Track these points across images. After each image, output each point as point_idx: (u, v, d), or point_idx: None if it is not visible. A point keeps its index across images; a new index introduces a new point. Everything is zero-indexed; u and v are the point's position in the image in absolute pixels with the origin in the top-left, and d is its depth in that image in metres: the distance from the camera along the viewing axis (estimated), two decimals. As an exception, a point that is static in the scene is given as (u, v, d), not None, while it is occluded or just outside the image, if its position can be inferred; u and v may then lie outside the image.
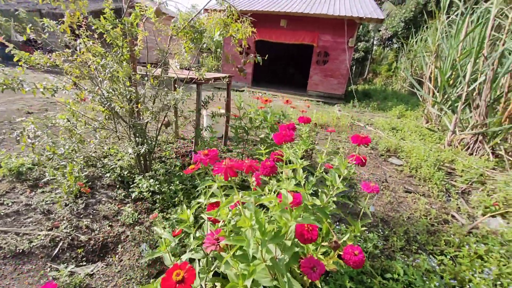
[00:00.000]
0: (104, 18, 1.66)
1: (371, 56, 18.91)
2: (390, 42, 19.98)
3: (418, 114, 6.83)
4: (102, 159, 2.30)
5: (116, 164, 2.19)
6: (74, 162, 1.49)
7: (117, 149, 2.37)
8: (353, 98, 9.08)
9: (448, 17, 5.20)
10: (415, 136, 4.55)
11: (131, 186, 1.96)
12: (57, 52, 1.69)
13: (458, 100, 4.16)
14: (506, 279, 1.34)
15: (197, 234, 0.80)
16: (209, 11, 2.32)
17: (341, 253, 0.91)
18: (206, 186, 0.76)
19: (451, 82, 5.18)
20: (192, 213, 0.80)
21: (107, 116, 1.83)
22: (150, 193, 1.92)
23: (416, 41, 13.33)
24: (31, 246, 1.41)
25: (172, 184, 1.96)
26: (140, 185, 1.90)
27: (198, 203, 0.90)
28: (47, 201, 1.81)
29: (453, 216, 2.20)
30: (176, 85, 2.30)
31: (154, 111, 1.77)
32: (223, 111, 3.63)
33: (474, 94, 3.76)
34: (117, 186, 2.11)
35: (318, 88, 9.30)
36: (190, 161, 2.61)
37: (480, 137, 3.58)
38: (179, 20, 1.85)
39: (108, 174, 2.16)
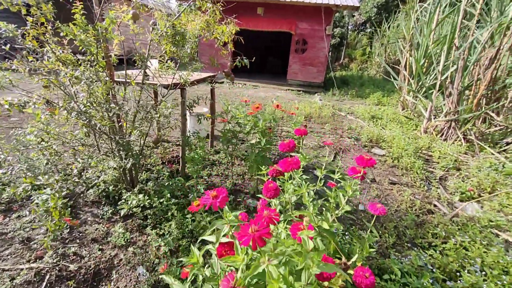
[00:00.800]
0: (74, 24, 1.49)
1: (346, 42, 19.16)
2: (364, 27, 20.35)
3: (394, 101, 7.11)
4: (82, 172, 2.14)
5: (98, 178, 2.05)
6: (57, 194, 1.36)
7: (99, 161, 2.22)
8: (332, 86, 9.22)
9: (421, 5, 5.33)
10: (393, 125, 4.74)
11: (119, 202, 1.85)
12: (18, 60, 1.49)
13: (432, 88, 4.36)
14: (489, 269, 1.46)
15: (207, 273, 0.76)
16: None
17: (351, 272, 0.93)
18: (215, 228, 0.72)
19: (424, 70, 5.41)
20: (201, 255, 0.76)
21: (86, 133, 1.68)
22: (140, 209, 1.83)
23: (389, 27, 13.68)
24: (13, 284, 1.29)
25: (163, 198, 1.88)
26: (129, 201, 1.80)
27: (204, 241, 0.85)
28: (25, 227, 1.67)
29: (435, 206, 2.35)
30: (158, 92, 2.17)
31: (142, 129, 1.66)
32: (206, 109, 3.53)
33: (447, 82, 3.95)
34: (103, 203, 1.98)
35: (297, 77, 9.30)
36: (178, 168, 2.51)
37: (453, 124, 3.81)
38: (160, 27, 1.71)
39: (91, 190, 2.02)
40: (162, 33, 1.72)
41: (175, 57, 2.17)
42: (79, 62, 1.62)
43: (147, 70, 1.88)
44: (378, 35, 14.64)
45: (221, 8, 2.00)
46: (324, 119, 4.99)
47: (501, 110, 3.62)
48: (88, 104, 1.55)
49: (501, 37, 3.32)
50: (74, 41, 1.54)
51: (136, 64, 1.83)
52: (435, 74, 5.13)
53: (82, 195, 2.03)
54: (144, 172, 2.36)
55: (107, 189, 2.02)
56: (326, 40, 8.73)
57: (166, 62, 2.05)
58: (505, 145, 3.53)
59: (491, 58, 3.44)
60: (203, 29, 1.92)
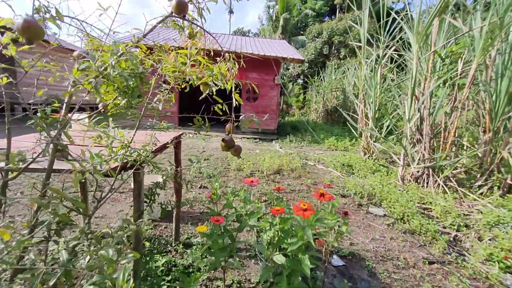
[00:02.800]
0: None
1: (284, 91, 20.89)
2: (297, 78, 22.79)
3: (348, 144, 7.34)
4: None
5: None
6: None
7: None
8: (285, 132, 9.24)
9: (366, 61, 5.84)
10: (365, 173, 4.57)
11: None
12: None
13: (400, 135, 4.42)
14: None
15: None
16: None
17: None
18: None
19: (377, 117, 5.69)
20: None
21: None
22: None
23: (322, 79, 15.47)
24: None
25: None
26: None
27: None
28: None
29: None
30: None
31: None
32: (160, 178, 2.53)
33: (414, 130, 4.02)
34: None
35: (251, 125, 9.00)
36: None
37: (431, 171, 3.75)
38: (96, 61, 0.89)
39: None
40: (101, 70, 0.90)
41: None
42: None
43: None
44: (312, 84, 16.30)
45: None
46: (297, 171, 4.50)
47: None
48: None
49: (455, 90, 3.59)
50: None
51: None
52: (388, 122, 5.42)
53: None
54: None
55: None
56: (275, 89, 8.95)
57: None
58: (477, 188, 3.57)
59: (452, 108, 3.63)
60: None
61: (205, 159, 4.99)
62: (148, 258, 1.75)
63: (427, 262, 2.10)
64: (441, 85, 4.05)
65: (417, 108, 3.97)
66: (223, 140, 1.25)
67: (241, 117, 1.33)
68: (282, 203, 1.25)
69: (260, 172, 4.31)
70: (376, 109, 5.40)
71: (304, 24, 25.47)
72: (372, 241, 2.38)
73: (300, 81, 22.95)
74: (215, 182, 1.36)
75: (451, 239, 2.55)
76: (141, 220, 1.21)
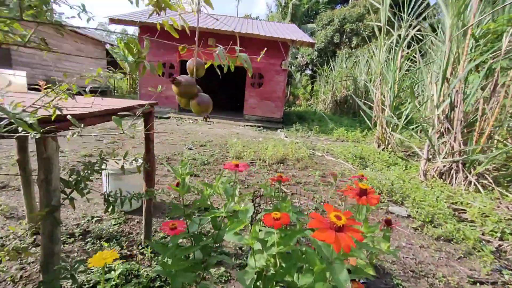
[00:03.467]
0: None
1: (291, 81, 20.18)
2: (305, 68, 21.93)
3: (359, 135, 6.77)
4: None
5: None
6: None
7: None
8: (292, 122, 8.70)
9: (386, 43, 5.20)
10: (381, 165, 4.05)
11: None
12: None
13: (426, 124, 3.85)
14: None
15: None
16: None
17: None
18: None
19: (395, 105, 5.10)
20: None
21: None
22: None
23: (331, 68, 14.72)
24: None
25: None
26: None
27: None
28: None
29: None
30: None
31: None
32: (134, 165, 2.04)
33: (442, 118, 3.45)
34: None
35: (255, 112, 8.50)
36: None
37: (460, 165, 3.21)
38: None
39: None
40: None
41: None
42: None
43: None
44: (321, 74, 15.58)
45: None
46: (303, 161, 4.00)
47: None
48: None
49: (496, 71, 2.99)
50: None
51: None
52: (409, 109, 4.83)
53: None
54: None
55: None
56: (282, 74, 8.35)
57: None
58: (514, 187, 3.03)
59: (491, 93, 3.05)
60: None
61: (201, 145, 4.52)
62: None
63: (473, 283, 1.60)
64: (473, 69, 3.45)
65: (448, 93, 3.39)
66: (174, 81, 0.77)
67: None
68: (285, 203, 0.77)
69: (261, 161, 3.83)
70: (395, 95, 4.81)
71: (314, 12, 24.32)
72: (397, 250, 1.89)
73: (308, 71, 22.15)
74: (183, 166, 0.87)
75: (493, 249, 2.04)
76: (54, 225, 0.74)
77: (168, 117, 7.91)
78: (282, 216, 0.59)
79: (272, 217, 0.60)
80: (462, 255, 1.88)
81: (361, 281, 1.54)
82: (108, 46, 13.71)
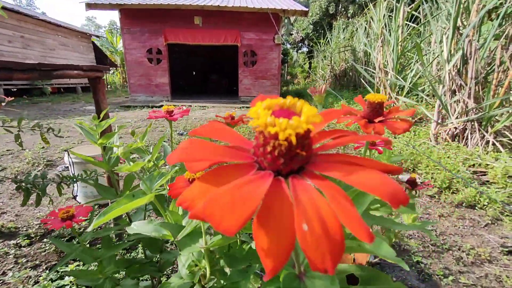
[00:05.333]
0: None
1: (287, 59, 19.45)
2: (301, 45, 21.06)
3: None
4: None
5: None
6: None
7: None
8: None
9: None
10: (386, 133, 3.74)
11: None
12: None
13: (437, 81, 3.49)
14: None
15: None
16: None
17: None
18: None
19: (399, 68, 4.71)
20: None
21: None
22: None
23: (328, 41, 14.01)
24: None
25: None
26: None
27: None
28: None
29: None
30: None
31: None
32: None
33: (454, 73, 3.09)
34: None
35: (251, 93, 8.12)
36: None
37: (476, 124, 2.89)
38: None
39: None
40: None
41: None
42: None
43: None
44: (318, 50, 14.93)
45: None
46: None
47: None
48: None
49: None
50: None
51: None
52: (415, 71, 4.45)
53: None
54: None
55: None
56: (276, 50, 7.87)
57: None
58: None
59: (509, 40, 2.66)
60: None
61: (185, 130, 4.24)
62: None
63: (508, 252, 1.35)
64: (485, 17, 3.05)
65: (459, 46, 3.00)
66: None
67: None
68: None
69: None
70: (398, 57, 4.41)
71: (307, -17, 23.00)
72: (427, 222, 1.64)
73: (304, 48, 21.32)
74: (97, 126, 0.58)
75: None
76: None
77: (161, 106, 7.59)
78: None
79: (187, 179, 0.32)
80: (489, 222, 1.62)
81: (374, 260, 1.30)
82: (97, 41, 13.15)
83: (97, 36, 13.23)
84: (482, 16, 2.77)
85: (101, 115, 0.74)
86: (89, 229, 0.42)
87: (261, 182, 0.16)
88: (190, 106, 7.57)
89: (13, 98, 0.99)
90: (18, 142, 0.78)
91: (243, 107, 7.62)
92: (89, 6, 6.82)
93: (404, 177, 2.34)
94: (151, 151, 0.60)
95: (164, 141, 0.95)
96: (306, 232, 0.13)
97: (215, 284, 0.37)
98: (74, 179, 0.85)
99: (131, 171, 0.39)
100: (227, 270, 0.35)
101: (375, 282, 0.27)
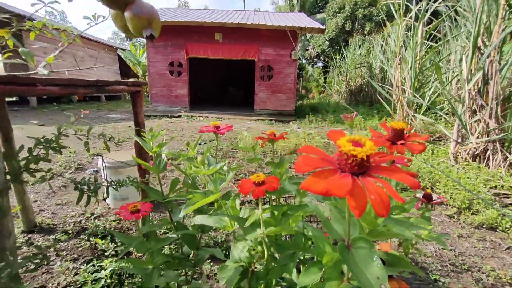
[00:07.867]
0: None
1: (302, 74, 19.71)
2: (317, 60, 21.32)
3: (377, 123, 6.37)
4: None
5: None
6: None
7: None
8: (304, 114, 8.39)
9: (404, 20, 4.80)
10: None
11: None
12: None
13: (457, 100, 3.47)
14: None
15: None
16: None
17: None
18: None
19: (417, 86, 4.70)
20: None
21: None
22: None
23: (344, 58, 14.12)
24: None
25: None
26: None
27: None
28: None
29: None
30: None
31: None
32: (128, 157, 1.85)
33: (474, 93, 3.08)
34: None
35: (266, 106, 8.28)
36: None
37: (498, 145, 2.83)
38: None
39: None
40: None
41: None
42: None
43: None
44: (334, 65, 15.06)
45: None
46: (318, 151, 3.75)
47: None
48: None
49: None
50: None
51: None
52: (433, 89, 4.43)
53: None
54: None
55: None
56: (292, 65, 8.06)
57: None
58: None
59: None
60: None
61: (210, 141, 4.40)
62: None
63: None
64: (507, 37, 3.05)
65: (480, 65, 3.00)
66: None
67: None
68: (279, 168, 0.57)
69: (273, 152, 3.62)
70: (416, 75, 4.42)
71: (324, 1, 23.57)
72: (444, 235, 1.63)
73: (320, 63, 21.56)
74: (153, 137, 0.69)
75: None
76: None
77: (179, 116, 7.89)
78: (268, 180, 0.39)
79: (253, 182, 0.40)
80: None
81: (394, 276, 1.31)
82: (122, 53, 14.00)
83: (122, 49, 14.07)
84: (503, 37, 2.78)
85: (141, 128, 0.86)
86: (180, 215, 0.51)
87: (347, 178, 0.29)
88: (207, 117, 7.81)
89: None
90: (86, 148, 0.91)
91: (258, 119, 7.77)
92: (120, 22, 7.35)
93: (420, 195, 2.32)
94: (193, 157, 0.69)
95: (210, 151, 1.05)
96: (373, 199, 0.27)
97: (268, 266, 0.44)
98: (121, 183, 0.96)
99: (206, 174, 0.48)
100: (276, 255, 0.41)
101: (397, 265, 0.33)
